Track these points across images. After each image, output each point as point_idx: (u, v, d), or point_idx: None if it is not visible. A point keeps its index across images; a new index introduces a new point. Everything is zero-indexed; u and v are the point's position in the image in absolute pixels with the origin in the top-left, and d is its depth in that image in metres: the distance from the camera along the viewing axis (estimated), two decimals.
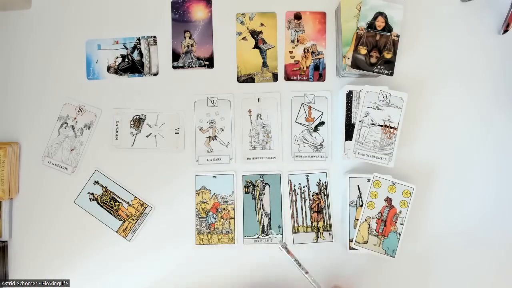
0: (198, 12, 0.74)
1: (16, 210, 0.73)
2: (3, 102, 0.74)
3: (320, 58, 0.74)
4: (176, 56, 0.74)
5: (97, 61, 0.74)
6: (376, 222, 0.69)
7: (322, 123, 0.73)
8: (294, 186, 0.73)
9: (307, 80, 0.74)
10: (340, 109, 0.72)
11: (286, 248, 0.68)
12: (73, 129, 0.73)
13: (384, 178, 0.69)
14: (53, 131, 0.73)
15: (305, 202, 0.73)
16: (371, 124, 0.70)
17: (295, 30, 0.74)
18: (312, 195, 0.73)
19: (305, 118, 0.73)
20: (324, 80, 0.74)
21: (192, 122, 0.74)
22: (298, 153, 0.73)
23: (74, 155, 0.73)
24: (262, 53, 0.74)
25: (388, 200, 0.69)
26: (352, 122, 0.71)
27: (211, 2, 0.74)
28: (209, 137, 0.74)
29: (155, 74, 0.74)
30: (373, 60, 0.68)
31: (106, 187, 0.73)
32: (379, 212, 0.69)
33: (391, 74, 0.68)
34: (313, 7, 0.74)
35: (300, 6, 0.74)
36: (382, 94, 0.70)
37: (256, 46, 0.74)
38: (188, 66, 0.74)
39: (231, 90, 0.74)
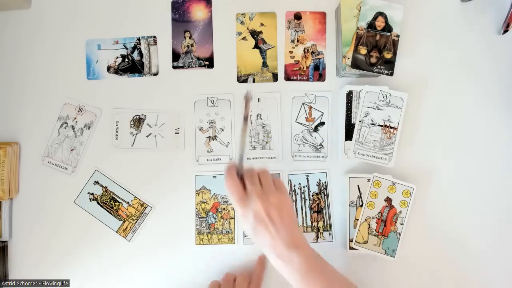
0: (198, 12, 0.74)
1: (16, 210, 0.73)
2: (3, 102, 0.74)
3: (320, 58, 0.74)
4: (176, 56, 0.74)
5: (97, 61, 0.74)
6: (376, 222, 0.69)
7: (322, 123, 0.73)
8: (294, 186, 0.73)
9: (307, 80, 0.74)
10: (340, 109, 0.72)
11: (246, 100, 0.58)
12: (73, 129, 0.73)
13: (384, 178, 0.69)
14: (53, 131, 0.73)
15: (305, 202, 0.73)
16: (371, 124, 0.70)
17: (295, 30, 0.74)
18: (312, 195, 0.73)
19: (305, 118, 0.73)
20: (324, 80, 0.74)
21: (192, 122, 0.74)
22: (298, 153, 0.73)
23: (74, 155, 0.73)
24: (262, 53, 0.74)
25: (388, 200, 0.69)
26: (352, 122, 0.71)
27: (211, 2, 0.74)
28: (209, 137, 0.74)
29: (155, 74, 0.74)
30: (373, 60, 0.68)
31: (106, 187, 0.73)
32: (379, 212, 0.69)
33: (391, 74, 0.68)
34: (313, 7, 0.74)
35: (300, 6, 0.74)
36: (382, 94, 0.70)
37: (256, 46, 0.74)
38: (188, 66, 0.74)
39: (231, 90, 0.74)
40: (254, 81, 0.74)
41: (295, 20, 0.74)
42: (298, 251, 0.55)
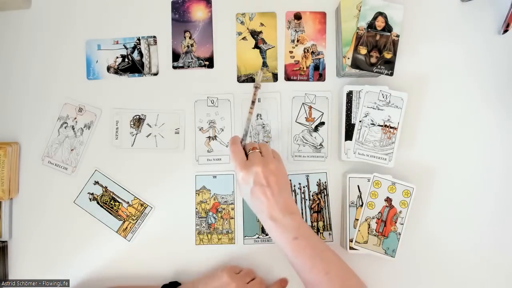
0: (198, 12, 0.74)
1: (16, 210, 0.73)
2: (3, 102, 0.74)
3: (320, 58, 0.74)
4: (176, 56, 0.74)
5: (97, 61, 0.74)
6: (376, 222, 0.69)
7: (322, 123, 0.73)
8: (294, 186, 0.73)
9: (307, 80, 0.74)
10: (340, 109, 0.72)
11: (256, 87, 0.70)
12: (73, 129, 0.73)
13: (384, 178, 0.69)
14: (53, 131, 0.73)
15: (305, 202, 0.73)
16: (371, 124, 0.70)
17: (295, 30, 0.74)
18: (312, 195, 0.73)
19: (305, 118, 0.73)
20: (324, 80, 0.74)
21: (192, 122, 0.74)
22: (298, 153, 0.73)
23: (74, 155, 0.73)
24: (262, 53, 0.74)
25: (388, 200, 0.69)
26: (352, 122, 0.71)
27: (211, 2, 0.74)
28: (209, 137, 0.74)
29: (155, 74, 0.74)
30: (373, 60, 0.68)
31: (106, 187, 0.73)
32: (379, 212, 0.69)
33: (391, 74, 0.68)
34: (313, 7, 0.74)
35: (300, 6, 0.74)
36: (382, 94, 0.70)
37: (256, 46, 0.74)
38: (188, 66, 0.74)
39: (231, 90, 0.74)
40: (254, 81, 0.74)
41: (295, 20, 0.74)
42: (292, 217, 0.59)
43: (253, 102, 0.69)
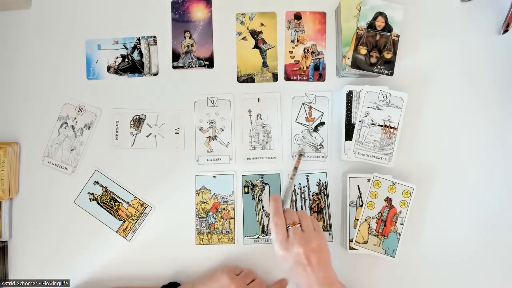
0: (198, 12, 0.74)
1: (16, 210, 0.73)
2: (3, 102, 0.74)
3: (320, 58, 0.74)
4: (176, 56, 0.74)
5: (97, 61, 0.74)
6: (376, 222, 0.69)
7: (322, 123, 0.73)
8: (294, 186, 0.73)
9: (307, 80, 0.74)
10: (340, 109, 0.72)
11: (300, 155, 0.69)
12: (73, 129, 0.73)
13: (384, 178, 0.69)
14: (53, 131, 0.73)
15: (305, 202, 0.73)
16: (371, 124, 0.70)
17: (295, 30, 0.74)
18: (312, 195, 0.73)
19: (305, 118, 0.73)
20: (324, 80, 0.74)
21: (192, 122, 0.74)
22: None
23: (74, 155, 0.73)
24: (262, 53, 0.74)
25: (388, 200, 0.69)
26: (352, 122, 0.71)
27: (211, 2, 0.74)
28: (209, 137, 0.74)
29: (155, 74, 0.74)
30: (373, 60, 0.68)
31: (106, 187, 0.73)
32: (379, 212, 0.69)
33: (391, 74, 0.68)
34: (313, 7, 0.74)
35: (300, 6, 0.74)
36: (382, 94, 0.70)
37: (256, 46, 0.74)
38: (188, 66, 0.74)
39: (231, 90, 0.74)
40: (254, 81, 0.74)
41: (295, 20, 0.74)
42: None
43: (295, 168, 0.69)
